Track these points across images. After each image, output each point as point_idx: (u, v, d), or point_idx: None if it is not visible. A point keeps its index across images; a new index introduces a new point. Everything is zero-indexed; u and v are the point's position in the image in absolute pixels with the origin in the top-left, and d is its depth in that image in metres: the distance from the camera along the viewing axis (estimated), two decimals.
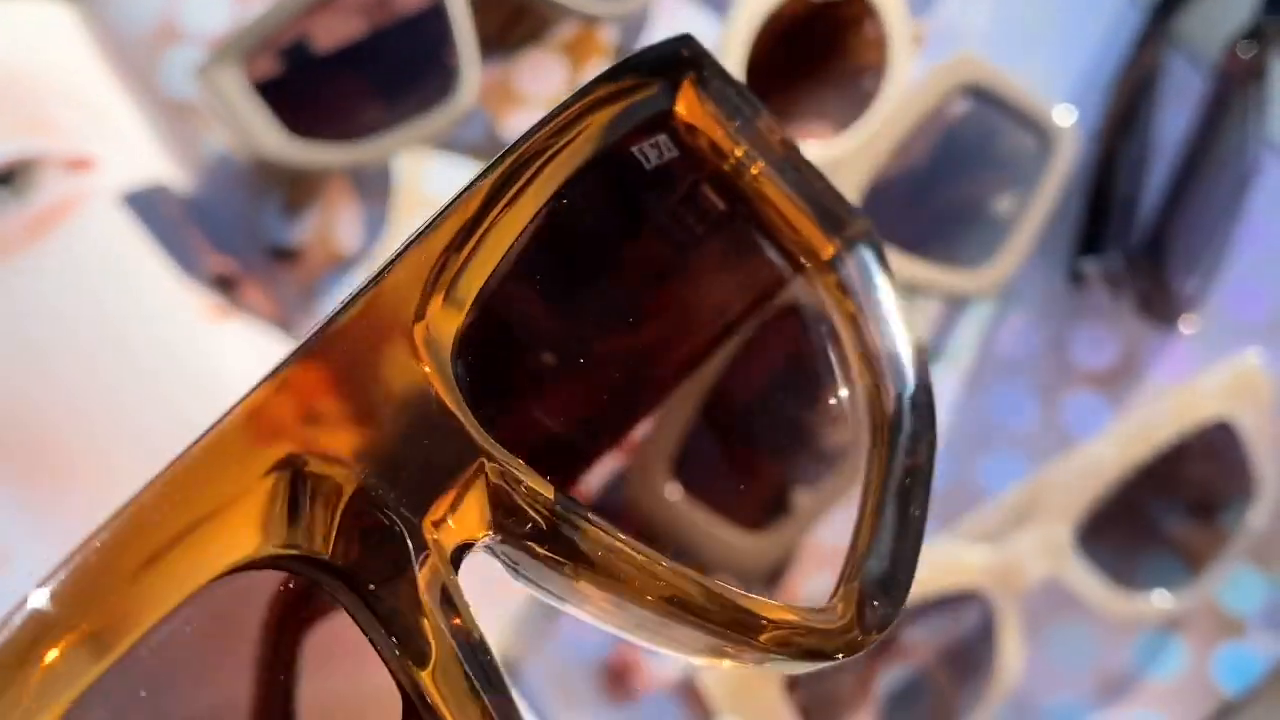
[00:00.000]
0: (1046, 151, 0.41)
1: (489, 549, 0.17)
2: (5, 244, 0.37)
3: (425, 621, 0.16)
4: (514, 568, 0.18)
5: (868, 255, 0.22)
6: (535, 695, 0.38)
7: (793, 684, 0.36)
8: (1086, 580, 0.38)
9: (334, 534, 0.16)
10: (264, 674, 0.20)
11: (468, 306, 0.17)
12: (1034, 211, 0.40)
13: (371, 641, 0.16)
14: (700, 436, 0.36)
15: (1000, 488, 0.41)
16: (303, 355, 0.16)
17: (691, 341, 0.24)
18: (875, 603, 0.19)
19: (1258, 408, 0.40)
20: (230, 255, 0.39)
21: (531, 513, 0.17)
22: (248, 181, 0.40)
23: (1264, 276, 0.43)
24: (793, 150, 0.22)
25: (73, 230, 0.38)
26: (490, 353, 0.19)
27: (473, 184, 0.18)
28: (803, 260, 0.22)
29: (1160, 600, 0.38)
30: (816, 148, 0.40)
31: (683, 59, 0.20)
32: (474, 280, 0.17)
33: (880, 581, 0.19)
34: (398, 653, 0.16)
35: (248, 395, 0.16)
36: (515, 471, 0.17)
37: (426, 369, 0.17)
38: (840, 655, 0.19)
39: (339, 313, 0.16)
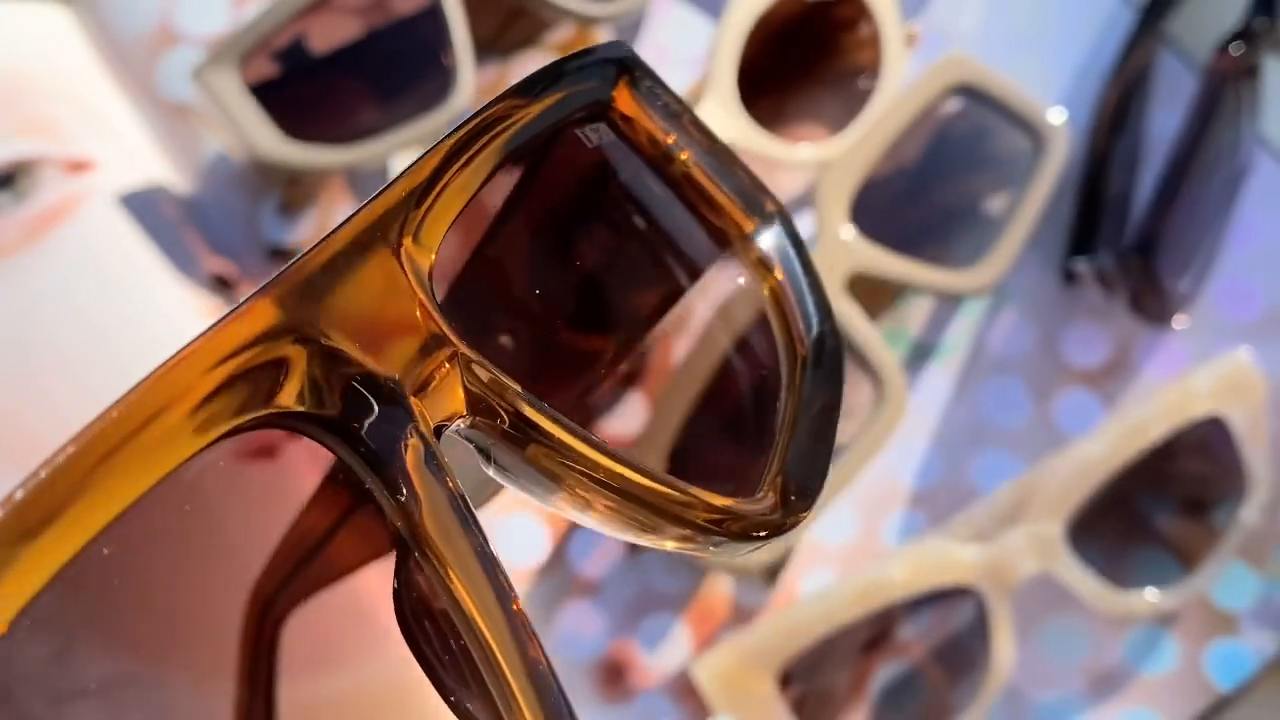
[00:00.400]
0: (1039, 151, 0.41)
1: (459, 433, 0.20)
2: (4, 245, 0.38)
3: (415, 474, 0.18)
4: (486, 454, 0.20)
5: (782, 231, 0.25)
6: None
7: (787, 681, 0.36)
8: (1079, 577, 0.38)
9: (338, 399, 0.18)
10: (270, 525, 0.23)
11: (435, 249, 0.20)
12: (1026, 211, 0.41)
13: (368, 491, 0.19)
14: (695, 432, 0.36)
15: (992, 485, 0.41)
16: (308, 257, 0.19)
17: (631, 294, 0.28)
18: (793, 497, 0.23)
19: (1249, 405, 0.40)
20: (228, 256, 0.39)
21: (497, 402, 0.20)
22: (245, 183, 0.40)
23: (1255, 275, 0.43)
24: (716, 142, 0.25)
25: (71, 231, 0.38)
26: (458, 288, 0.23)
27: (431, 149, 0.21)
28: (727, 236, 0.25)
29: (1152, 597, 0.38)
30: (810, 148, 0.40)
31: (618, 61, 0.23)
32: (437, 227, 0.20)
33: (799, 481, 0.23)
34: (399, 500, 0.18)
35: (250, 296, 0.18)
36: (484, 364, 0.20)
37: (410, 281, 0.20)
38: (765, 535, 0.22)
39: (336, 230, 0.19)
